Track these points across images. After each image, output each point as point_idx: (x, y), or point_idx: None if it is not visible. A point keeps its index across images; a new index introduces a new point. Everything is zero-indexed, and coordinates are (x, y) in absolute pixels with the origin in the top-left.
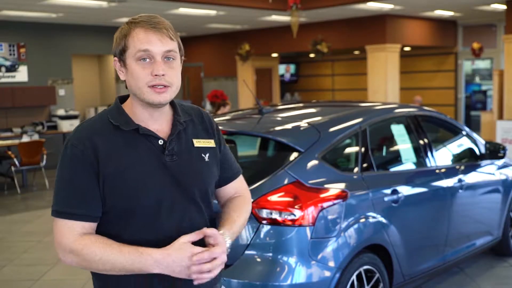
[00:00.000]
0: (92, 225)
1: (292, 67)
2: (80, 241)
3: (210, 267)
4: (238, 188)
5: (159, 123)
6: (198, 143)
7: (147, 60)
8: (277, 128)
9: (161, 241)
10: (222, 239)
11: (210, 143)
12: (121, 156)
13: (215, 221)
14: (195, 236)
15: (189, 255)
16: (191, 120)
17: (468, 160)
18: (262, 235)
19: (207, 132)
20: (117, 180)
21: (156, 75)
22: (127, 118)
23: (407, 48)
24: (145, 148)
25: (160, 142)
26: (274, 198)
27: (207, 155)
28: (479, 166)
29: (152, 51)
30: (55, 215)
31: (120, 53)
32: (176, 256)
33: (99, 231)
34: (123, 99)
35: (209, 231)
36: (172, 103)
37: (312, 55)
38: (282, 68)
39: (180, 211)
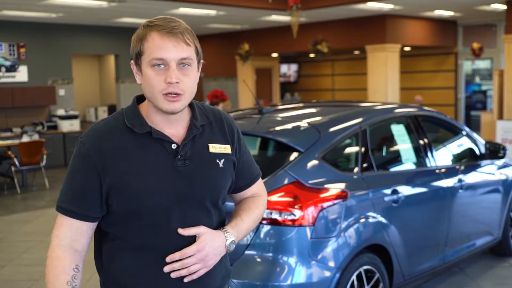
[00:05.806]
0: (85, 224)
1: (292, 67)
2: (55, 247)
3: (181, 264)
4: (255, 191)
5: (174, 127)
6: (213, 148)
7: (162, 66)
8: (277, 128)
9: (169, 246)
10: (204, 237)
11: (226, 149)
12: (129, 160)
13: (224, 223)
14: None
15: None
16: (209, 124)
17: (468, 160)
18: (262, 235)
19: (225, 137)
20: (122, 184)
21: (169, 82)
22: (141, 120)
23: (407, 48)
24: (157, 152)
25: (174, 146)
26: (274, 198)
27: (222, 161)
28: (479, 166)
29: (167, 58)
30: (56, 208)
31: (136, 57)
32: None
33: (106, 232)
34: (141, 98)
35: (196, 230)
36: (191, 105)
37: (312, 55)
38: (284, 68)
39: (190, 217)
